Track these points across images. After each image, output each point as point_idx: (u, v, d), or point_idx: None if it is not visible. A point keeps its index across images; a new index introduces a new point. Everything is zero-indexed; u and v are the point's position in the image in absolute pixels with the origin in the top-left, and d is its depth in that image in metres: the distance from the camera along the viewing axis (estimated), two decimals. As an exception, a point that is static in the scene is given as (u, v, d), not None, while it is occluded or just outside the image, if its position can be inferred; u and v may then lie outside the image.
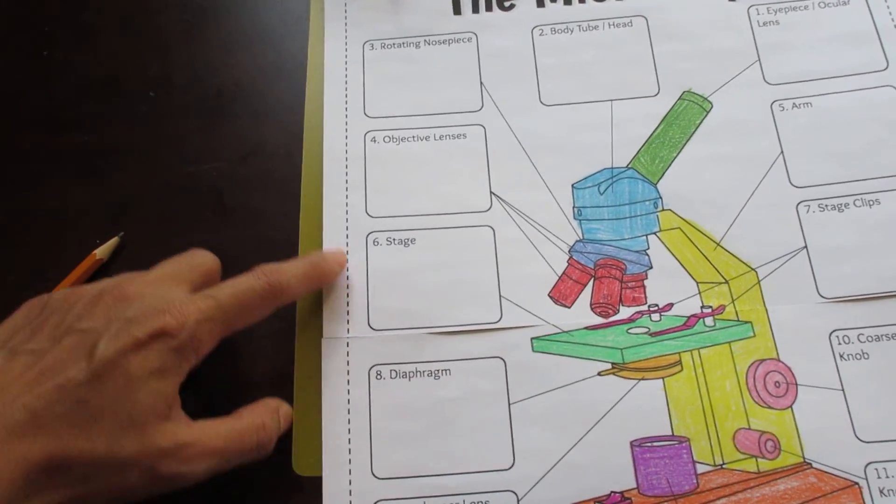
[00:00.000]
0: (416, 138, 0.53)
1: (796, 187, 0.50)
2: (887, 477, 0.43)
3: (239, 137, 0.54)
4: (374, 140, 0.53)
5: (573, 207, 0.50)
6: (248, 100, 0.55)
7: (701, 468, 0.44)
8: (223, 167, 0.53)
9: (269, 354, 0.48)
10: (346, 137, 0.53)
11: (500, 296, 0.48)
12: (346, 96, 0.54)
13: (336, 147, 0.52)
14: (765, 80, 0.53)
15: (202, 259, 0.45)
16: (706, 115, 0.52)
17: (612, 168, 0.51)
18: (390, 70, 0.55)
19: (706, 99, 0.52)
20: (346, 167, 0.52)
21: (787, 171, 0.50)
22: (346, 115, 0.53)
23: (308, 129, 0.53)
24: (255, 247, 0.51)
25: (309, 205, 0.51)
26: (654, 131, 0.52)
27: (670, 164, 0.51)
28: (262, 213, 0.52)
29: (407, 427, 0.46)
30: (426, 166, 0.52)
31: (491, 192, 0.51)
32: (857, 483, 0.43)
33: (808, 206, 0.49)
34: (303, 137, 0.53)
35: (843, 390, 0.45)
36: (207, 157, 0.54)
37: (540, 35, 0.55)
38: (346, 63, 0.55)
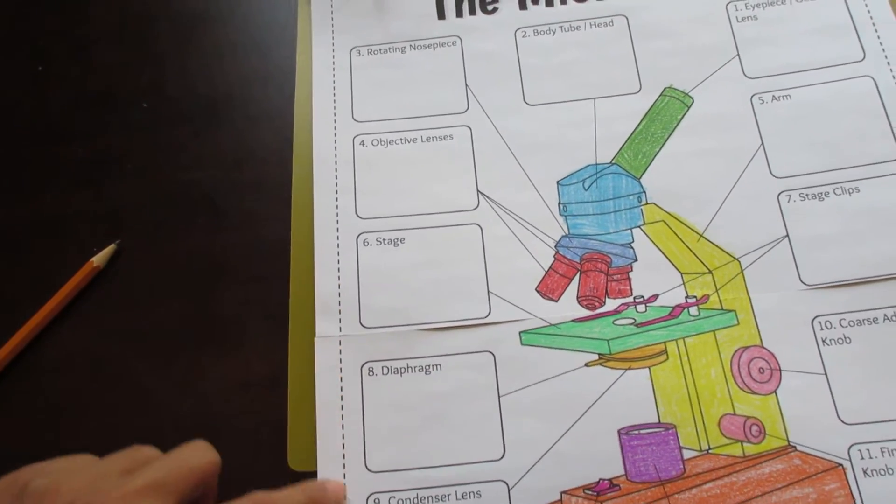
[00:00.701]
0: (403, 141, 0.54)
1: (777, 178, 0.51)
2: (871, 458, 0.44)
3: (231, 144, 0.55)
4: (362, 143, 0.54)
5: (559, 204, 0.51)
6: (239, 107, 0.57)
7: (687, 454, 0.45)
8: (216, 173, 0.54)
9: (263, 353, 0.49)
10: (335, 142, 0.54)
11: (488, 291, 0.49)
12: (335, 101, 0.55)
13: (325, 151, 0.54)
14: (744, 74, 0.54)
15: (197, 461, 0.38)
16: (688, 110, 0.53)
17: (596, 164, 0.52)
18: (377, 75, 0.56)
19: (687, 94, 0.54)
20: (336, 170, 0.53)
21: (768, 163, 0.51)
22: (335, 120, 0.54)
23: (298, 135, 0.54)
24: (249, 250, 0.52)
25: (300, 208, 0.52)
26: (636, 127, 0.53)
27: (653, 159, 0.52)
28: (255, 217, 0.53)
29: (399, 421, 0.47)
30: (414, 168, 0.53)
31: (478, 191, 0.52)
32: (841, 464, 0.44)
33: (789, 195, 0.50)
34: (293, 142, 0.54)
35: (825, 374, 0.46)
36: (201, 164, 0.55)
37: (523, 37, 0.56)
38: (333, 69, 0.56)
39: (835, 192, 0.50)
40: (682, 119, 0.53)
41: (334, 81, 0.56)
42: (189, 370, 0.49)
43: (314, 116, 0.55)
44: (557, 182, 0.52)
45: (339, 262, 0.50)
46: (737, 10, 0.56)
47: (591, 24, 0.56)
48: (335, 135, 0.54)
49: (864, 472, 0.44)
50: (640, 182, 0.51)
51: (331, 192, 0.52)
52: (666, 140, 0.53)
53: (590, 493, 0.44)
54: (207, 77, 0.58)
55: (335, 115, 0.55)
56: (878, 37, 0.54)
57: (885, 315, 0.47)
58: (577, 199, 0.51)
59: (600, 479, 0.45)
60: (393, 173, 0.53)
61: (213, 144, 0.55)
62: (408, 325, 0.49)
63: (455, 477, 0.45)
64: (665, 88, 0.54)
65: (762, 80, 0.53)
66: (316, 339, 0.49)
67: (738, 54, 0.54)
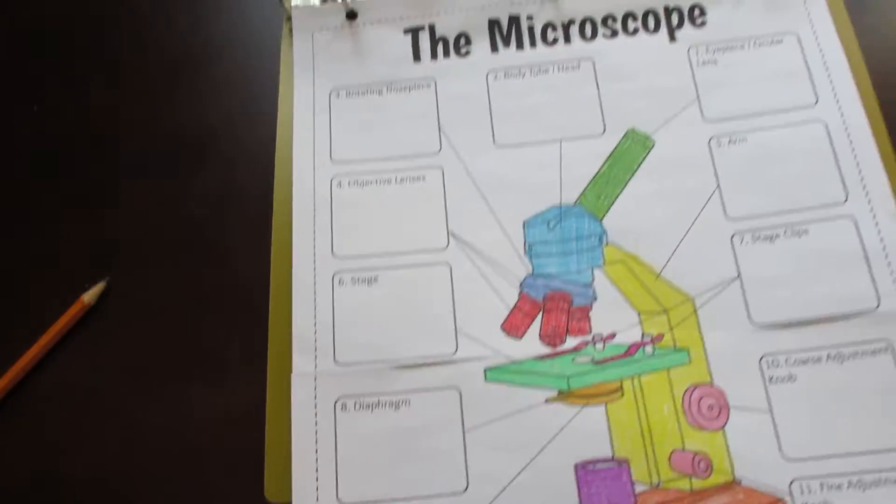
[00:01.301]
0: (379, 181, 0.56)
1: (731, 219, 0.53)
2: (810, 492, 0.47)
3: (217, 183, 0.58)
4: (339, 184, 0.57)
5: (524, 244, 0.54)
6: (225, 147, 0.59)
7: (639, 488, 0.48)
8: (202, 211, 0.57)
9: (245, 388, 0.52)
10: (314, 182, 0.57)
11: (456, 329, 0.52)
12: (314, 143, 0.58)
13: (304, 192, 0.56)
14: (703, 118, 0.56)
15: None
16: (648, 153, 0.56)
17: (560, 205, 0.55)
18: (355, 117, 0.59)
19: (649, 137, 0.56)
20: (314, 211, 0.56)
21: (723, 204, 0.54)
22: (314, 161, 0.57)
23: (279, 175, 0.57)
24: (232, 287, 0.55)
25: (279, 247, 0.55)
26: (599, 169, 0.56)
27: (615, 201, 0.55)
28: (237, 254, 0.56)
29: (370, 455, 0.50)
30: (388, 208, 0.56)
31: (448, 231, 0.55)
32: (782, 498, 0.47)
33: (742, 237, 0.53)
34: (274, 182, 0.57)
35: (771, 411, 0.49)
36: (187, 203, 0.58)
37: (494, 79, 0.59)
38: (313, 111, 0.59)
39: (785, 234, 0.53)
40: (643, 161, 0.56)
41: (314, 123, 0.59)
42: (175, 404, 0.52)
43: (294, 157, 0.58)
44: (523, 222, 0.55)
45: (315, 300, 0.53)
46: (697, 53, 0.58)
47: (558, 68, 0.59)
48: (314, 175, 0.57)
49: (804, 505, 0.47)
50: (601, 223, 0.54)
51: (309, 232, 0.55)
52: (627, 182, 0.55)
53: (547, 523, 0.47)
54: (196, 117, 0.61)
55: (314, 155, 0.58)
56: (831, 81, 0.56)
57: (829, 354, 0.50)
58: (541, 239, 0.54)
59: (557, 511, 0.48)
60: (368, 213, 0.56)
61: (200, 183, 0.58)
62: (380, 361, 0.52)
63: (421, 507, 0.48)
64: (628, 131, 0.56)
65: (720, 124, 0.56)
66: (293, 376, 0.52)
67: (698, 98, 0.57)
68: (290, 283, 0.54)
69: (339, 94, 0.59)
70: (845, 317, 0.50)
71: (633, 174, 0.55)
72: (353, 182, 0.57)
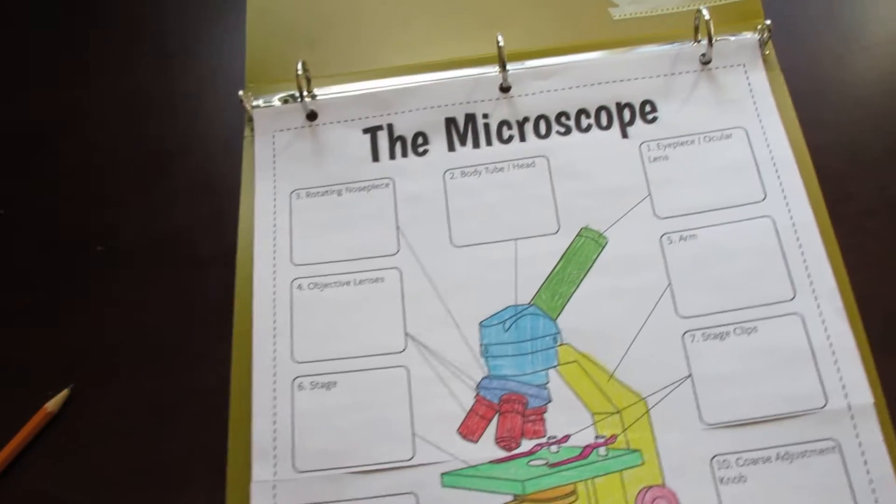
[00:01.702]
0: (338, 284, 0.58)
1: (682, 317, 0.54)
2: None
3: (181, 288, 0.59)
4: (299, 287, 0.58)
5: (480, 345, 0.55)
6: (189, 251, 0.61)
7: (593, 593, 0.49)
8: (165, 317, 0.59)
9: (206, 498, 0.53)
10: (275, 285, 0.58)
11: (413, 434, 0.53)
12: (275, 245, 0.59)
13: (265, 295, 0.57)
14: (655, 215, 0.57)
15: None
16: (602, 251, 0.57)
17: (516, 305, 0.56)
18: (315, 218, 0.60)
19: (602, 234, 0.57)
20: (275, 314, 0.57)
21: (675, 302, 0.55)
22: (275, 264, 0.58)
23: (240, 279, 0.58)
24: (194, 394, 0.56)
25: (240, 352, 0.56)
26: (554, 268, 0.57)
27: (569, 300, 0.56)
28: (199, 361, 0.57)
29: (328, 563, 0.50)
30: (347, 311, 0.57)
31: (406, 334, 0.56)
32: None
33: (693, 335, 0.54)
34: (235, 287, 0.58)
35: (722, 513, 0.50)
36: (150, 308, 0.59)
37: (451, 178, 0.60)
38: (274, 213, 0.60)
39: (735, 332, 0.53)
40: (596, 259, 0.57)
41: (275, 225, 0.60)
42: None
43: (255, 260, 0.59)
44: (480, 323, 0.56)
45: (275, 406, 0.54)
46: (649, 150, 0.59)
47: (514, 165, 0.60)
48: (274, 278, 0.58)
49: None
50: (556, 323, 0.55)
51: (269, 336, 0.56)
52: (581, 280, 0.56)
53: None
54: (160, 222, 0.62)
55: (275, 258, 0.59)
56: (779, 177, 0.57)
57: (778, 454, 0.50)
58: (497, 340, 0.55)
59: None
60: (327, 317, 0.57)
61: (164, 289, 0.59)
62: (337, 468, 0.52)
63: None
64: (581, 229, 0.58)
65: (671, 220, 0.57)
66: (252, 483, 0.52)
67: (650, 194, 0.58)
68: (249, 389, 0.55)
69: (299, 195, 0.61)
70: (793, 416, 0.51)
71: (586, 272, 0.56)
72: (314, 284, 0.58)
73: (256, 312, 0.57)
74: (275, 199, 0.61)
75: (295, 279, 0.58)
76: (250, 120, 0.64)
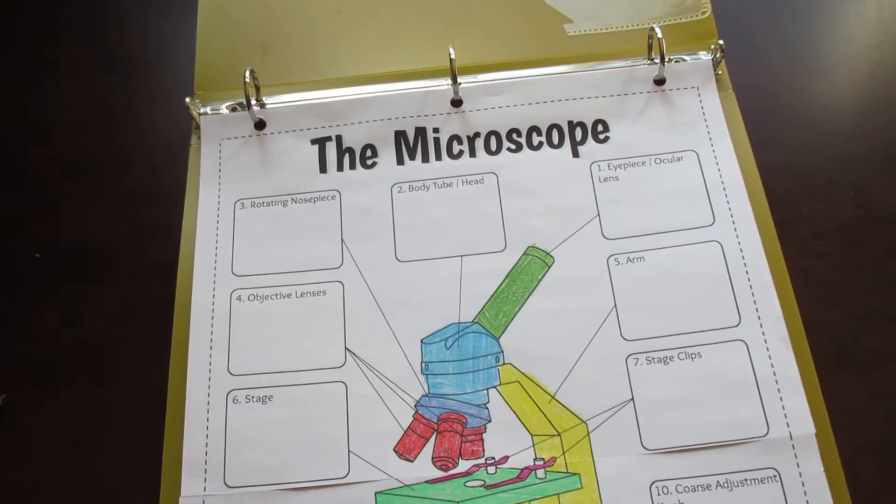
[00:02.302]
0: (279, 296, 0.56)
1: (627, 340, 0.53)
2: None
3: (120, 297, 0.58)
4: (239, 299, 0.56)
5: (421, 362, 0.54)
6: (129, 259, 0.59)
7: None
8: (103, 329, 0.57)
9: (136, 510, 0.51)
10: (214, 297, 0.56)
11: (348, 451, 0.52)
12: (216, 255, 0.58)
13: (203, 307, 0.56)
14: (603, 235, 0.57)
15: None
16: (548, 270, 0.56)
17: (458, 323, 0.55)
18: (259, 228, 0.59)
19: (548, 254, 0.56)
20: (212, 326, 0.55)
21: (619, 325, 0.54)
22: (215, 275, 0.57)
23: (180, 288, 0.57)
24: (130, 406, 0.54)
25: (177, 364, 0.55)
26: (499, 286, 0.56)
27: (513, 319, 0.55)
28: (137, 374, 0.55)
29: (254, 584, 0.49)
30: (287, 324, 0.55)
31: (346, 348, 0.55)
32: None
33: (637, 358, 0.53)
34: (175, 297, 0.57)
35: (659, 540, 0.49)
36: (88, 317, 0.57)
37: (399, 192, 0.59)
38: (217, 222, 0.59)
39: (679, 357, 0.53)
40: (542, 278, 0.56)
41: (217, 234, 0.59)
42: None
43: (195, 270, 0.57)
44: (421, 340, 0.55)
45: (208, 419, 0.53)
46: (600, 169, 0.59)
47: (463, 181, 0.59)
48: (214, 289, 0.57)
49: None
50: (498, 342, 0.54)
51: (205, 348, 0.55)
52: (526, 299, 0.55)
53: None
54: (102, 228, 0.60)
55: (216, 268, 0.57)
56: (728, 202, 0.57)
57: (718, 482, 0.49)
58: (438, 357, 0.54)
59: None
60: (266, 329, 0.55)
61: (102, 297, 0.58)
62: (270, 484, 0.51)
63: None
64: (528, 247, 0.57)
65: (619, 242, 0.56)
66: (180, 499, 0.51)
67: (599, 215, 0.57)
68: (183, 401, 0.53)
69: (243, 205, 0.60)
70: (735, 444, 0.50)
71: (531, 292, 0.56)
72: (254, 296, 0.56)
73: (194, 324, 0.56)
74: (218, 209, 0.59)
75: (235, 290, 0.57)
76: (197, 128, 0.62)
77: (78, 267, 0.59)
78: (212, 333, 0.55)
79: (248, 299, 0.56)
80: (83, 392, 0.55)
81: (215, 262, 0.58)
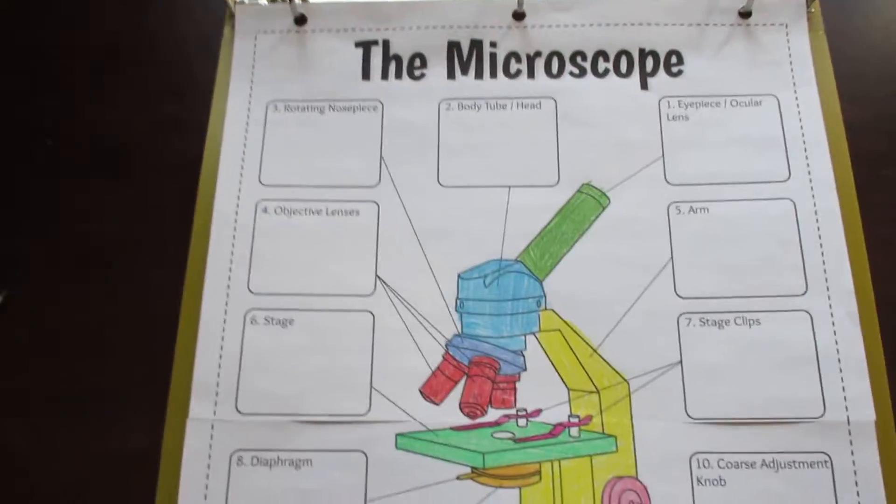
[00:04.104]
0: (308, 212, 0.52)
1: (681, 298, 0.49)
2: None
3: (134, 197, 0.54)
4: (265, 210, 0.52)
5: (456, 299, 0.50)
6: (147, 156, 0.55)
7: (544, 584, 0.45)
8: (115, 227, 0.53)
9: (143, 428, 0.48)
10: (238, 206, 0.52)
11: (371, 387, 0.48)
12: (243, 161, 0.53)
13: (226, 216, 0.52)
14: (666, 180, 0.52)
15: None
16: (602, 211, 0.51)
17: (500, 260, 0.51)
18: (291, 135, 0.54)
19: (604, 194, 0.52)
20: (234, 238, 0.51)
21: (674, 280, 0.50)
22: (241, 182, 0.53)
23: (202, 194, 0.53)
24: (139, 316, 0.51)
25: (193, 276, 0.51)
26: (547, 224, 0.51)
27: (559, 261, 0.51)
28: (147, 282, 0.52)
29: (262, 516, 0.46)
30: (315, 243, 0.51)
31: (376, 276, 0.51)
32: None
33: (690, 318, 0.49)
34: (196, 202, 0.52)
35: (695, 516, 0.46)
36: (100, 217, 0.54)
37: (447, 109, 0.54)
38: (247, 124, 0.54)
39: (735, 322, 0.49)
40: (595, 220, 0.51)
41: (246, 137, 0.54)
42: (66, 437, 0.49)
43: (219, 175, 0.53)
44: (458, 275, 0.50)
45: (223, 339, 0.49)
46: (669, 106, 0.54)
47: (518, 104, 0.54)
48: (238, 198, 0.52)
49: None
50: (542, 285, 0.50)
51: (225, 262, 0.51)
52: (575, 241, 0.51)
53: None
54: (120, 120, 0.56)
55: (241, 175, 0.53)
56: (807, 157, 0.52)
57: (764, 461, 0.46)
58: (475, 295, 0.50)
59: None
60: (292, 247, 0.51)
61: (115, 195, 0.54)
62: (284, 414, 0.48)
63: (309, 582, 0.45)
64: (582, 185, 0.52)
65: (682, 188, 0.52)
66: (188, 420, 0.48)
67: (663, 156, 0.52)
68: (198, 317, 0.50)
69: (276, 107, 0.55)
70: (786, 422, 0.47)
71: (582, 233, 0.51)
72: (281, 209, 0.52)
73: (214, 234, 0.51)
74: (249, 109, 0.55)
75: (261, 201, 0.52)
76: (231, 17, 0.57)
77: (92, 160, 0.55)
78: (233, 246, 0.51)
79: (275, 212, 0.52)
80: (91, 298, 0.51)
81: (242, 168, 0.53)
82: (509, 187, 0.52)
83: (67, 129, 0.55)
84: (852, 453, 0.46)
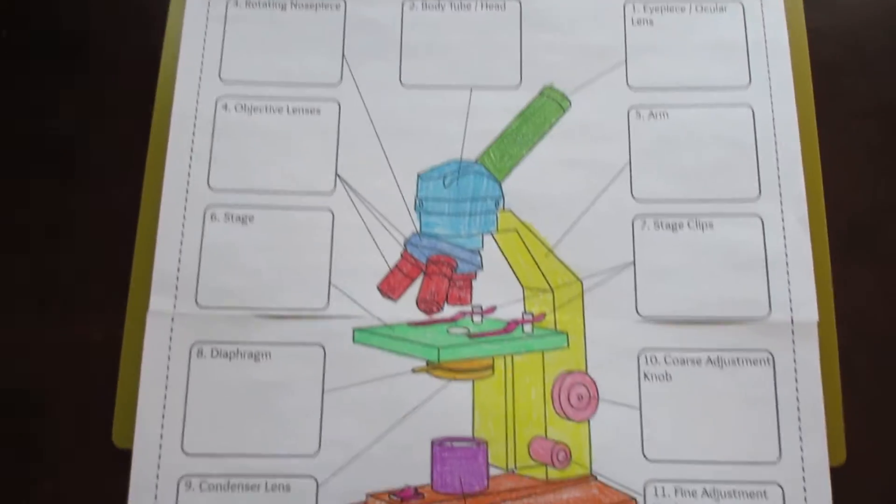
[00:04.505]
0: (268, 109, 0.52)
1: (636, 201, 0.50)
2: (664, 495, 0.46)
3: (93, 91, 0.53)
4: (225, 107, 0.52)
5: (415, 198, 0.51)
6: (105, 49, 0.54)
7: (494, 471, 0.47)
8: (72, 122, 0.52)
9: (103, 321, 0.49)
10: (197, 102, 0.52)
11: (329, 283, 0.49)
12: (203, 56, 0.53)
13: (185, 111, 0.52)
14: (627, 84, 0.52)
15: None
16: (563, 114, 0.52)
17: (460, 160, 0.51)
18: (252, 31, 0.53)
19: (566, 97, 0.52)
20: (194, 134, 0.51)
21: (631, 183, 0.50)
22: (200, 78, 0.52)
23: (161, 88, 0.52)
24: (100, 210, 0.51)
25: (153, 171, 0.51)
26: (508, 126, 0.52)
27: (518, 163, 0.51)
28: (106, 178, 0.52)
29: (221, 406, 0.47)
30: (275, 141, 0.51)
31: (336, 175, 0.51)
32: (634, 498, 0.46)
33: (644, 221, 0.50)
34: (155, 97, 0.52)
35: (640, 409, 0.47)
36: (57, 111, 0.53)
37: (410, 9, 0.54)
38: (207, 18, 0.54)
39: (689, 225, 0.50)
40: (555, 123, 0.52)
41: (206, 32, 0.53)
42: (25, 329, 0.49)
43: (178, 70, 0.52)
44: (418, 174, 0.51)
45: (183, 234, 0.50)
46: (634, 10, 0.53)
47: (482, 5, 0.54)
48: (198, 93, 0.52)
49: (655, 509, 0.46)
50: (500, 186, 0.51)
51: (184, 157, 0.51)
52: (535, 144, 0.51)
53: (394, 498, 0.46)
54: (76, 11, 0.54)
55: (202, 70, 0.52)
56: (768, 65, 0.52)
57: (709, 358, 0.48)
58: (434, 195, 0.50)
59: (406, 486, 0.46)
60: (252, 144, 0.51)
61: (72, 90, 0.53)
62: (243, 308, 0.49)
63: (267, 468, 0.46)
64: (544, 87, 0.52)
65: (643, 93, 0.52)
66: (148, 313, 0.48)
67: (626, 60, 0.53)
68: (157, 213, 0.50)
69: (237, 3, 0.54)
70: (733, 321, 0.48)
71: (542, 136, 0.51)
72: (241, 106, 0.52)
73: (174, 129, 0.51)
74: (209, 4, 0.54)
75: (221, 97, 0.52)
76: None
77: (50, 51, 0.54)
78: (193, 143, 0.51)
79: (235, 109, 0.52)
80: (52, 190, 0.51)
81: (202, 63, 0.53)
82: (471, 88, 0.52)
83: (23, 21, 0.54)
84: (794, 351, 0.47)
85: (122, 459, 0.46)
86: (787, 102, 0.51)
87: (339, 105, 0.52)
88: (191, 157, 0.51)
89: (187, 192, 0.50)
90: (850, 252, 0.50)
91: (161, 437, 0.47)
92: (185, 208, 0.50)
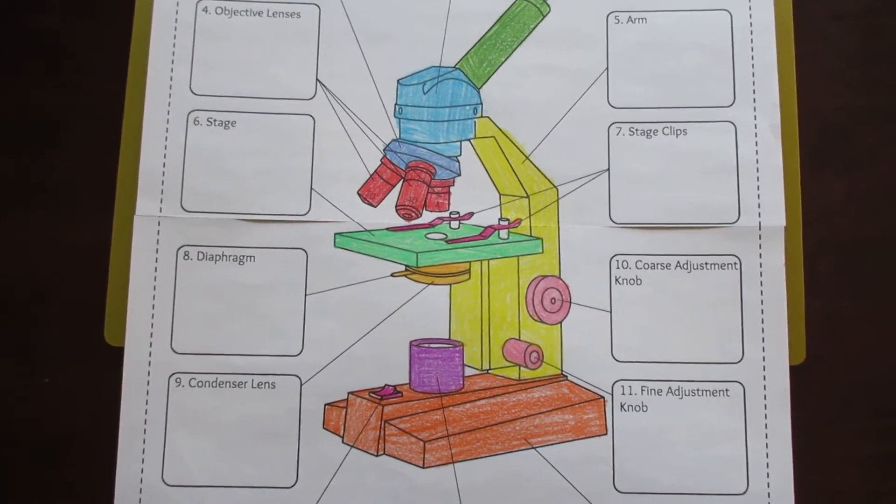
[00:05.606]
0: (248, 12, 0.52)
1: (613, 108, 0.51)
2: (630, 394, 0.48)
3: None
4: (205, 10, 0.52)
5: (395, 104, 0.51)
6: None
7: (469, 371, 0.49)
8: (55, 20, 0.53)
9: (92, 222, 0.50)
10: (178, 4, 0.52)
11: (311, 188, 0.50)
12: (182, -42, 0.52)
13: (166, 13, 0.52)
14: (607, -12, 0.52)
15: None
16: (542, 19, 0.52)
17: (439, 66, 0.51)
18: (231, -69, 0.53)
19: (545, 2, 0.52)
20: (175, 38, 0.51)
21: (608, 90, 0.51)
22: (180, -20, 0.52)
23: (141, -7, 0.52)
24: (87, 111, 0.52)
25: (135, 73, 0.51)
26: (487, 31, 0.52)
27: (497, 69, 0.51)
28: (92, 73, 0.52)
29: (208, 307, 0.49)
30: (256, 44, 0.51)
31: (317, 80, 0.51)
32: (602, 397, 0.48)
33: (620, 128, 0.51)
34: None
35: (610, 312, 0.49)
36: (44, 8, 0.53)
37: None
38: (185, -82, 0.53)
39: (663, 132, 0.50)
40: (534, 28, 0.52)
41: (184, -68, 0.53)
42: (16, 231, 0.51)
43: (158, -27, 0.52)
44: (398, 81, 0.51)
45: (167, 138, 0.50)
46: None
47: None
48: (178, -4, 0.52)
49: (622, 406, 0.48)
50: (479, 92, 0.51)
51: (166, 60, 0.51)
52: (514, 50, 0.52)
53: (374, 396, 0.48)
54: None
55: (181, -28, 0.52)
56: (748, -34, 0.52)
57: (678, 262, 0.49)
58: (414, 101, 0.51)
59: (385, 385, 0.49)
60: (233, 48, 0.51)
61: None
62: (228, 213, 0.50)
63: (253, 366, 0.49)
64: (524, -9, 0.52)
65: (623, -2, 0.52)
66: (135, 217, 0.50)
67: (607, -37, 0.52)
68: (141, 116, 0.51)
69: None
70: (703, 227, 0.49)
71: (521, 42, 0.52)
72: (222, 9, 0.52)
73: (155, 32, 0.51)
74: None
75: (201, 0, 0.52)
76: None
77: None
78: (174, 46, 0.51)
79: (216, 12, 0.52)
80: (36, 90, 0.52)
81: (180, -35, 0.52)
82: (451, -8, 0.52)
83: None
84: (760, 255, 0.49)
85: (116, 356, 0.48)
86: (766, 7, 0.51)
87: (320, 8, 0.52)
88: (173, 61, 0.51)
89: (170, 96, 0.51)
90: (820, 158, 0.51)
91: (151, 336, 0.49)
92: (168, 113, 0.51)
